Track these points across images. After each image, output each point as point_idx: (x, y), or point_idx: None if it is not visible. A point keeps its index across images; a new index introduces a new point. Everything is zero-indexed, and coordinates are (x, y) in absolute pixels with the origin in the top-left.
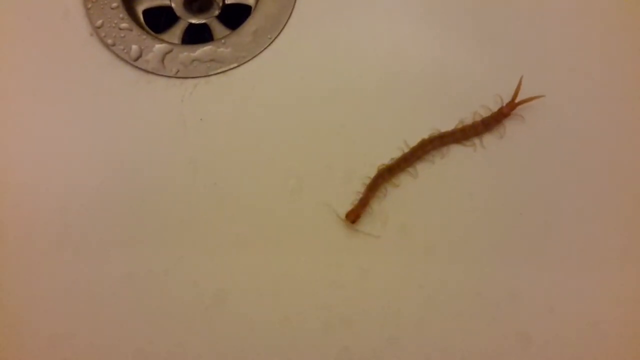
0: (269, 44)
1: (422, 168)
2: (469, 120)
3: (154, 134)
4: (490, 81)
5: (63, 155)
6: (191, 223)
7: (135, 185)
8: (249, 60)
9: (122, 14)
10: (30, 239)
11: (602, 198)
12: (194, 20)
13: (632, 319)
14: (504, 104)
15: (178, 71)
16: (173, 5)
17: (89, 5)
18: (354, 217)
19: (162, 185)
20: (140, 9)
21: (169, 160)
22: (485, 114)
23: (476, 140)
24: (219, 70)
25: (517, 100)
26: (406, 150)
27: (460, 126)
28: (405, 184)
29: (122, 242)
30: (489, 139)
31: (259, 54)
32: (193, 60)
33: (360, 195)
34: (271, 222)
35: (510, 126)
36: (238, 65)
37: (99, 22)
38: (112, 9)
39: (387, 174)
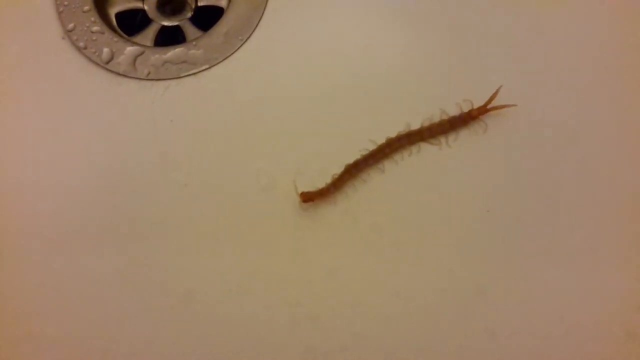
0: (241, 45)
1: (391, 166)
2: (437, 119)
3: (125, 135)
4: (463, 80)
5: (33, 157)
6: (161, 223)
7: (105, 186)
8: (220, 62)
9: (94, 17)
10: None
11: (569, 194)
12: (166, 23)
13: (598, 313)
14: (474, 107)
15: (149, 73)
16: (146, 7)
17: (61, 9)
18: (306, 198)
19: (133, 185)
20: (112, 11)
21: (140, 161)
22: (454, 113)
23: (442, 139)
24: (190, 72)
25: (489, 106)
26: (374, 147)
27: (427, 124)
28: (375, 182)
29: (91, 241)
30: (459, 136)
31: (230, 55)
32: (164, 62)
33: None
34: (241, 222)
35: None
36: (209, 67)
37: (71, 25)
38: (84, 12)
39: (354, 169)
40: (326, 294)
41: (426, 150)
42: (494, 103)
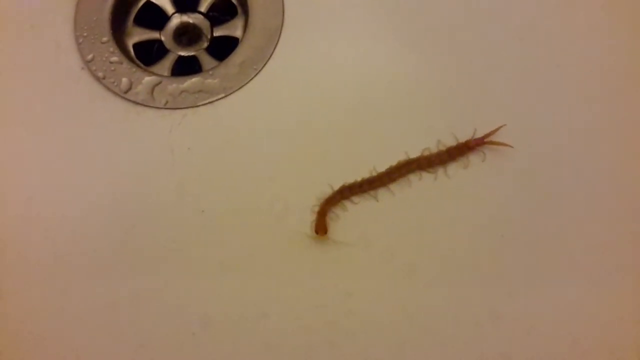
0: (255, 75)
1: (405, 191)
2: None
3: (143, 163)
4: (468, 108)
5: (55, 185)
6: (178, 249)
7: (124, 213)
8: (236, 91)
9: (112, 47)
10: (19, 267)
11: (583, 219)
12: (183, 53)
13: (610, 337)
14: (473, 137)
15: (167, 102)
16: (163, 38)
17: (80, 40)
18: (321, 229)
19: (151, 212)
20: (130, 42)
21: (158, 188)
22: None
23: (440, 169)
24: (206, 101)
25: (486, 140)
26: (374, 174)
27: (426, 154)
28: (389, 207)
29: (110, 268)
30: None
31: (245, 84)
32: (182, 92)
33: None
34: (257, 248)
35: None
36: (225, 96)
37: (90, 56)
38: (103, 43)
39: (348, 192)
40: (341, 319)
41: (440, 176)
42: (493, 138)
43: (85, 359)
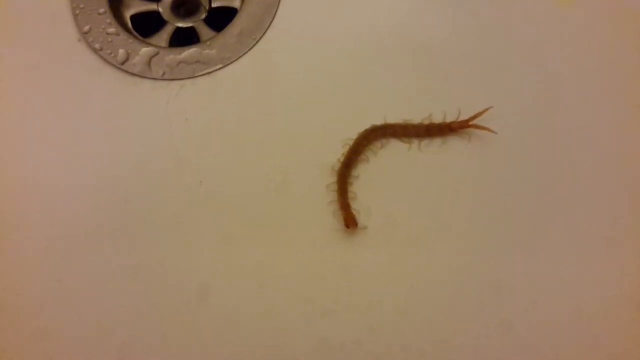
0: (254, 45)
1: (407, 160)
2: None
3: (140, 134)
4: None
5: (52, 156)
6: (176, 220)
7: (121, 184)
8: (234, 61)
9: (109, 19)
10: (17, 237)
11: (584, 191)
12: (181, 24)
13: (612, 307)
14: (458, 119)
15: (164, 73)
16: (160, 9)
17: (77, 12)
18: (352, 222)
19: (149, 183)
20: (127, 14)
21: (155, 159)
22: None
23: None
24: (204, 72)
25: (471, 123)
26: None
27: (403, 123)
28: (390, 177)
29: (109, 239)
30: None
31: (243, 54)
32: (179, 63)
33: (338, 204)
34: (256, 219)
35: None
36: (223, 66)
37: (87, 27)
38: (99, 14)
39: (346, 170)
40: (340, 289)
41: (443, 146)
42: (479, 121)
43: (83, 329)
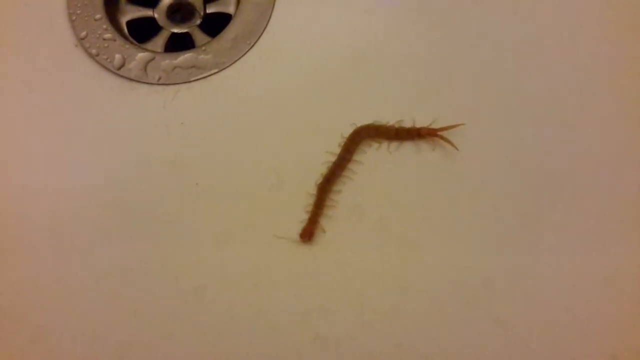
0: (248, 50)
1: (399, 162)
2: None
3: (137, 138)
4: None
5: (50, 160)
6: (173, 221)
7: (119, 186)
8: (229, 66)
9: (106, 24)
10: (16, 239)
11: (574, 188)
12: (176, 30)
13: (603, 303)
14: (429, 126)
15: (160, 78)
16: (156, 15)
17: (74, 17)
18: (308, 235)
19: (146, 186)
20: (123, 20)
21: (152, 162)
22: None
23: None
24: (200, 76)
25: (439, 133)
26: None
27: (376, 124)
28: (382, 179)
29: (106, 240)
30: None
31: (238, 59)
32: (175, 68)
33: (309, 214)
34: (251, 219)
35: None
36: (218, 71)
37: (83, 33)
38: (96, 20)
39: (327, 185)
40: (335, 287)
41: (435, 148)
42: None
43: (80, 326)
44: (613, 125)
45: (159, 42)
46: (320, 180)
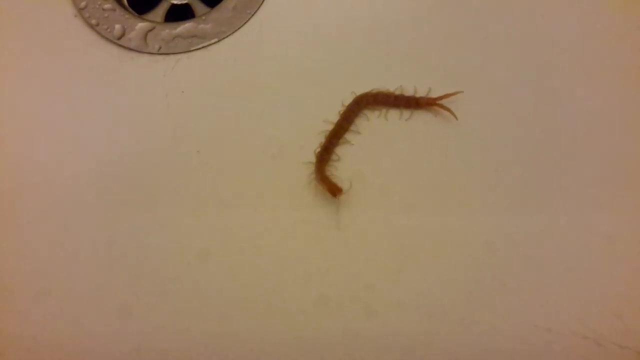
0: (249, 19)
1: (400, 128)
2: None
3: (137, 107)
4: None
5: (51, 130)
6: (175, 188)
7: (121, 155)
8: (229, 35)
9: None
10: (20, 203)
11: (575, 151)
12: (175, 1)
13: (606, 262)
14: (427, 96)
15: (160, 48)
16: None
17: None
18: (336, 190)
19: (147, 154)
20: None
21: (153, 130)
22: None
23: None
24: (200, 46)
25: (438, 102)
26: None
27: (375, 91)
28: (384, 145)
29: (110, 205)
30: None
31: (238, 28)
32: (175, 37)
33: (316, 178)
34: (253, 185)
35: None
36: (218, 40)
37: (83, 3)
38: None
39: (326, 154)
40: (337, 250)
41: (435, 114)
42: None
43: (82, 287)
44: (614, 88)
45: (158, 13)
46: (318, 148)
